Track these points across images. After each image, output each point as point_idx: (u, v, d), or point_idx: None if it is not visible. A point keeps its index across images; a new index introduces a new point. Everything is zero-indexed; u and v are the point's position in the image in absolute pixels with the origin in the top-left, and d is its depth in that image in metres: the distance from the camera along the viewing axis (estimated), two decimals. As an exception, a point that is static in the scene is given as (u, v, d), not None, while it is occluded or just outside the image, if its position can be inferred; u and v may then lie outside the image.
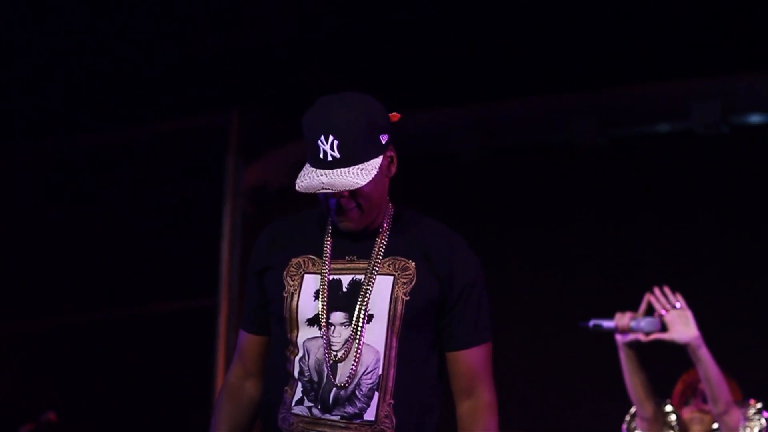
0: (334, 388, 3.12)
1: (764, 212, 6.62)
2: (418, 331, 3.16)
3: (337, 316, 3.14)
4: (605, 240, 6.88)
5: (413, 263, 3.17)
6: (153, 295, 7.94)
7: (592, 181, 6.99)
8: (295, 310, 3.16)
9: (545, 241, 7.00)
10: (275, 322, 3.22)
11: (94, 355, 8.00)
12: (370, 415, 3.12)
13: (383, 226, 3.21)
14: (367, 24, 6.85)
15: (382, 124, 3.14)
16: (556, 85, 6.88)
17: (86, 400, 7.91)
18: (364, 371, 3.12)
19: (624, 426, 4.91)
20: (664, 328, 4.66)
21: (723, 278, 6.62)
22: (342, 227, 3.18)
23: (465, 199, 7.15)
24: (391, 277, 3.15)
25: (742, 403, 4.73)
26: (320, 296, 3.15)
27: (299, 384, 3.16)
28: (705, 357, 4.60)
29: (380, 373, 3.12)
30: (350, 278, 3.16)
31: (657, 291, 4.69)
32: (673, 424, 4.84)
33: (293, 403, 3.16)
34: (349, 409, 3.12)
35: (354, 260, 3.18)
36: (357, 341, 3.12)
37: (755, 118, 6.69)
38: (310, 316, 3.15)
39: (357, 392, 3.12)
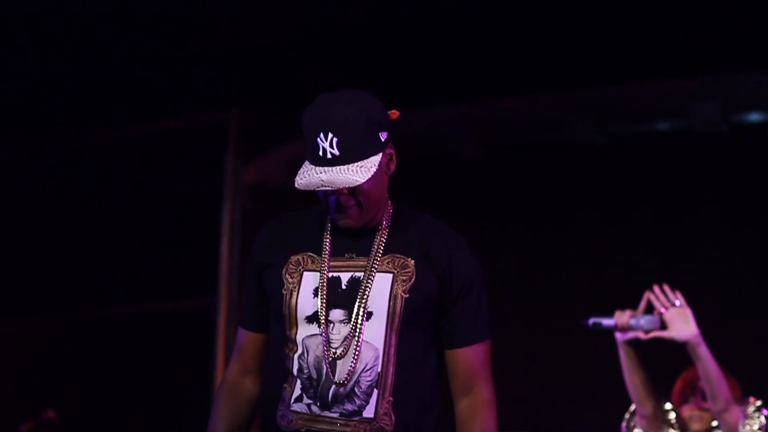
0: (333, 386, 3.12)
1: (764, 210, 6.62)
2: (417, 328, 3.16)
3: (337, 314, 3.14)
4: (604, 238, 6.88)
5: (412, 261, 3.17)
6: (152, 293, 7.94)
7: (591, 179, 6.99)
8: (294, 308, 3.16)
9: (544, 239, 7.00)
10: (274, 320, 3.22)
11: (94, 353, 8.00)
12: (369, 412, 3.12)
13: (382, 223, 3.21)
14: (366, 22, 6.85)
15: (382, 121, 3.14)
16: (555, 83, 6.88)
17: (86, 399, 7.91)
18: (363, 368, 3.12)
19: (623, 424, 4.91)
20: (663, 326, 4.66)
21: (722, 276, 6.62)
22: (341, 224, 3.18)
23: (463, 197, 7.15)
24: (391, 275, 3.15)
25: (742, 400, 4.73)
26: (319, 293, 3.15)
27: (298, 381, 3.15)
28: (704, 355, 4.60)
29: (379, 370, 3.12)
30: (349, 275, 3.16)
31: (656, 289, 4.69)
32: (673, 422, 4.84)
33: (292, 400, 3.16)
34: (348, 407, 3.12)
35: (353, 258, 3.18)
36: (356, 338, 3.12)
37: (755, 117, 6.69)
38: (310, 313, 3.15)
39: (356, 389, 3.12)
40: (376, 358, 3.12)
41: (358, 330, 3.12)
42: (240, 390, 3.31)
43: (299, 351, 3.16)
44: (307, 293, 3.16)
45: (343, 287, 3.16)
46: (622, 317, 4.71)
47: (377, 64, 6.82)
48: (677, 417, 4.84)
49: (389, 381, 3.13)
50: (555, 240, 6.97)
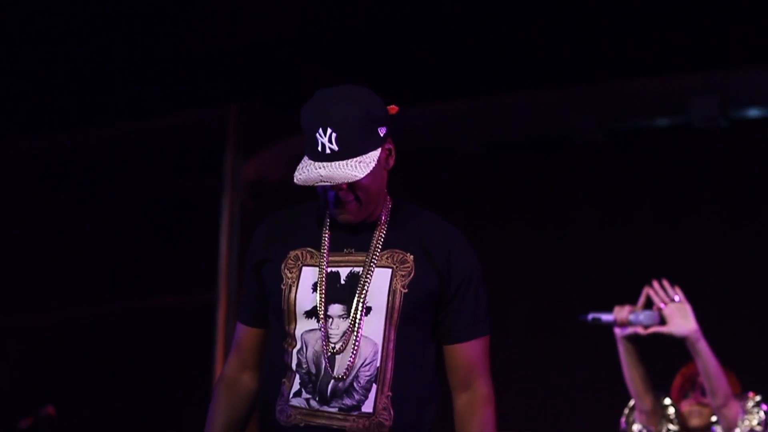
0: (332, 380, 3.12)
1: (763, 206, 6.62)
2: (416, 323, 3.16)
3: (335, 309, 3.14)
4: (604, 233, 6.88)
5: (411, 256, 3.17)
6: (152, 289, 7.94)
7: (590, 175, 6.99)
8: (293, 303, 3.16)
9: (543, 234, 7.01)
10: (273, 315, 3.22)
11: (93, 350, 8.01)
12: (368, 407, 3.12)
13: (381, 218, 3.21)
14: (365, 18, 6.84)
15: (381, 116, 3.14)
16: (555, 79, 6.88)
17: (85, 395, 7.92)
18: (362, 363, 3.12)
19: (623, 419, 4.92)
20: (662, 321, 4.66)
21: (722, 271, 6.62)
22: (340, 220, 3.18)
23: (463, 193, 7.16)
24: (390, 270, 3.15)
25: (741, 396, 4.73)
26: (318, 288, 3.15)
27: (297, 376, 3.15)
28: (704, 350, 4.61)
29: (378, 365, 3.12)
30: (348, 271, 3.16)
31: (656, 284, 4.69)
32: (672, 417, 4.84)
33: (291, 395, 3.16)
34: (347, 401, 3.12)
35: (352, 253, 3.18)
36: (355, 333, 3.12)
37: (754, 112, 6.69)
38: (308, 308, 3.15)
39: (355, 384, 3.12)
40: (375, 353, 3.12)
41: (357, 325, 3.12)
42: (238, 385, 3.31)
43: (298, 346, 3.16)
44: (306, 288, 3.16)
45: (342, 282, 3.15)
46: (621, 312, 4.71)
47: (377, 60, 6.82)
48: (676, 412, 4.84)
49: (388, 376, 3.13)
50: (554, 235, 6.97)
